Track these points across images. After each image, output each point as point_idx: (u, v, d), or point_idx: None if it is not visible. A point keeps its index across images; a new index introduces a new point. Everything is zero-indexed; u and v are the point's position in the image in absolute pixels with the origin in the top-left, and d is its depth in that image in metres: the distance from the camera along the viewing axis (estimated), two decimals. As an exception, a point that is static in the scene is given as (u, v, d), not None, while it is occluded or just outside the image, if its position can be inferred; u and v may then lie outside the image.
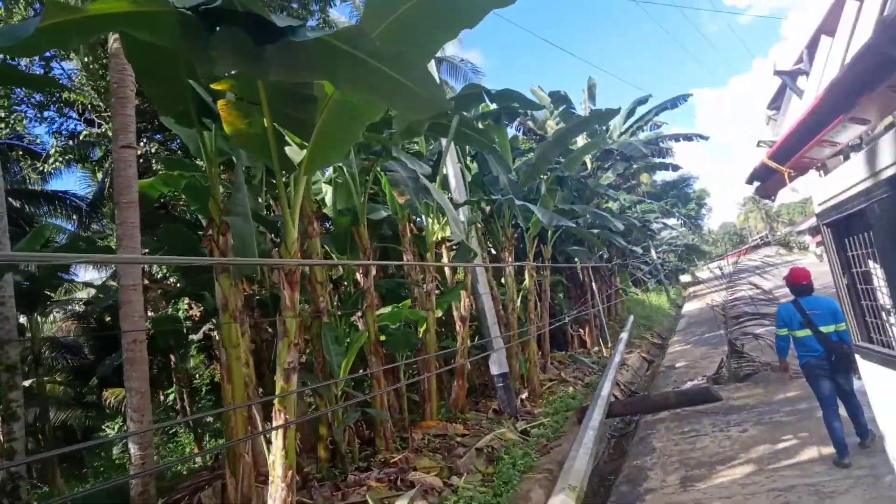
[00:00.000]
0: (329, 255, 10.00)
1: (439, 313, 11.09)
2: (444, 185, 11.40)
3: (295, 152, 4.59)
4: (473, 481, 7.08)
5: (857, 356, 3.17)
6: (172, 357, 13.31)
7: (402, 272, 12.46)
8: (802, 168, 3.16)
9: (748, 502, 5.04)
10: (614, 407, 9.28)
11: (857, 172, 2.44)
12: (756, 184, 4.04)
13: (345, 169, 7.99)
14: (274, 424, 4.74)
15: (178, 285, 11.91)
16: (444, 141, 11.14)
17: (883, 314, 2.77)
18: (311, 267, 7.66)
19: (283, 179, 4.87)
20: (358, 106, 4.55)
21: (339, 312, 8.48)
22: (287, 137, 4.72)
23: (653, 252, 37.38)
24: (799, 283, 6.04)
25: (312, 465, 7.37)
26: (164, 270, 12.77)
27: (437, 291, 11.95)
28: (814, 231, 70.91)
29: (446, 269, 11.68)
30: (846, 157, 2.90)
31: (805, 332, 5.78)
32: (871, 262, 2.76)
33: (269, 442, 5.30)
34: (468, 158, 13.76)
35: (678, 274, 49.77)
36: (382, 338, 8.64)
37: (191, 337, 12.26)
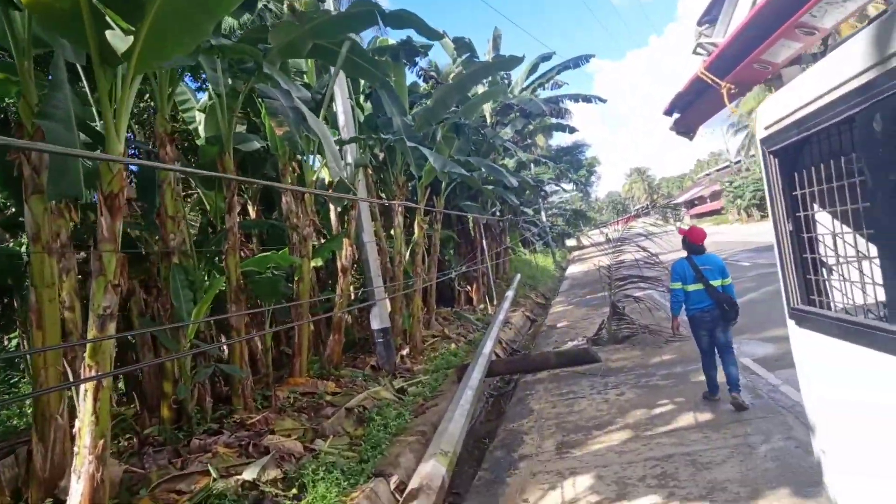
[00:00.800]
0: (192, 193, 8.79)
1: (319, 262, 10.25)
2: (334, 123, 10.42)
3: (122, 40, 3.55)
4: (339, 445, 6.46)
5: (790, 322, 2.75)
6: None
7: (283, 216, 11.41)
8: (746, 81, 2.67)
9: (625, 472, 4.77)
10: (495, 366, 8.97)
11: (835, 74, 1.92)
12: (675, 116, 3.57)
13: (210, 88, 6.85)
14: (83, 381, 3.82)
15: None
16: (333, 71, 10.12)
17: (824, 271, 2.36)
18: (161, 198, 6.54)
19: (105, 75, 3.82)
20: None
21: (193, 252, 7.41)
22: (110, 19, 3.66)
23: (543, 214, 38.07)
24: (696, 241, 6.43)
25: (155, 427, 6.42)
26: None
27: (318, 240, 11.11)
28: (688, 204, 75.92)
29: (332, 218, 10.79)
30: (805, 66, 2.43)
31: (697, 286, 6.23)
32: (816, 206, 2.33)
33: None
34: (361, 97, 12.75)
35: (564, 238, 51.39)
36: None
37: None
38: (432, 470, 5.42)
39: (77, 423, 3.83)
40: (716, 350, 6.31)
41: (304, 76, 11.15)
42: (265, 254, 7.91)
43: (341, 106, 10.16)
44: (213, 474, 4.99)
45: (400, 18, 6.44)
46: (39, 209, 4.65)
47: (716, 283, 6.20)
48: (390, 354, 10.41)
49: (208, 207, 9.71)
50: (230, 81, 6.92)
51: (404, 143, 8.62)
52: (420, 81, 19.33)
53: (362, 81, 12.02)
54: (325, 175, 10.03)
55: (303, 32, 6.51)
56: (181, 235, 7.49)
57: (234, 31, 9.69)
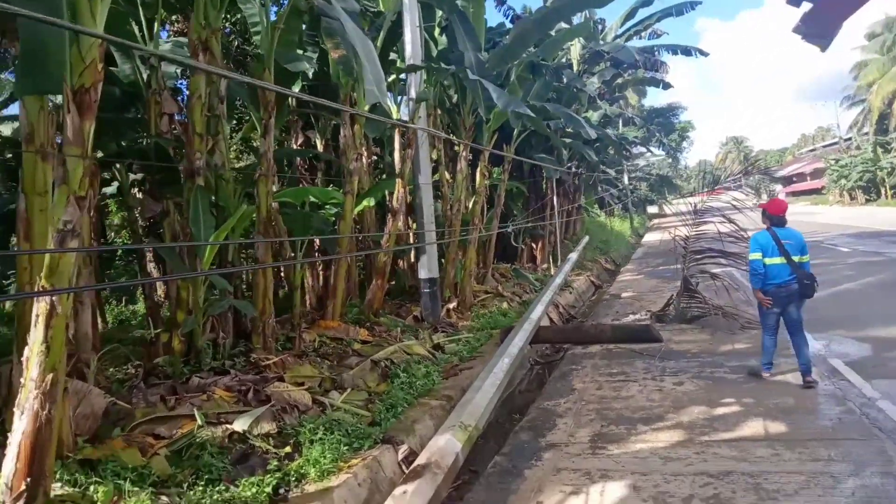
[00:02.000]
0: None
1: (371, 202, 9.61)
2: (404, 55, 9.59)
3: None
4: (356, 400, 5.90)
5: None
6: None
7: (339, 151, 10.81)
8: None
9: (668, 486, 3.92)
10: (543, 333, 8.16)
11: None
12: (805, 6, 2.56)
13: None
14: (37, 304, 3.32)
15: None
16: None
17: None
18: (190, 112, 5.99)
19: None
20: None
21: (229, 176, 6.90)
22: None
23: (625, 177, 36.06)
24: (778, 213, 6.29)
25: (165, 357, 6.05)
26: None
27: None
28: (786, 181, 70.55)
29: (396, 158, 10.09)
30: None
31: (777, 260, 6.07)
32: None
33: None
34: (437, 29, 11.79)
35: (646, 203, 48.89)
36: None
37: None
38: (446, 445, 4.74)
39: (26, 352, 3.35)
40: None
41: (381, 2, 10.33)
42: (304, 187, 7.31)
43: (409, 34, 9.28)
44: (199, 420, 4.50)
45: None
46: (35, 107, 4.14)
47: (796, 258, 6.07)
48: (435, 307, 9.78)
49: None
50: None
51: (466, 76, 7.71)
52: (508, 23, 18.06)
53: (439, 13, 11.07)
54: (393, 113, 9.31)
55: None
56: (220, 157, 7.01)
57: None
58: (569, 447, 4.79)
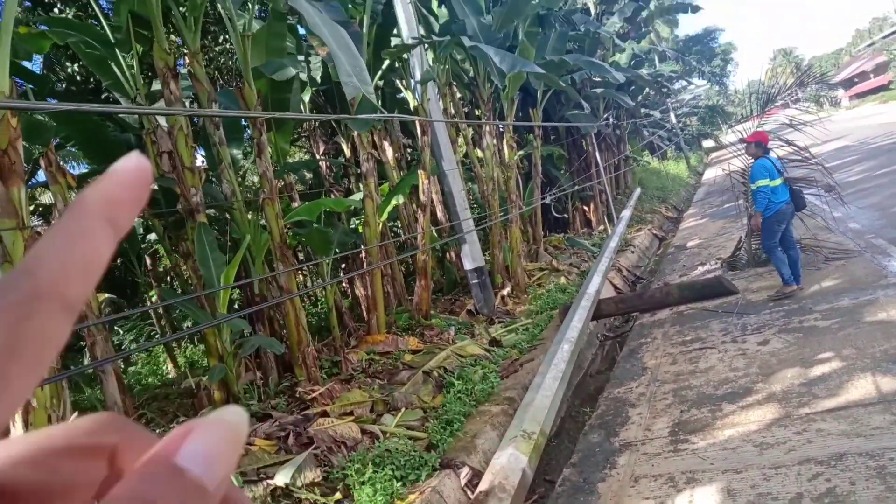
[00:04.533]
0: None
1: (400, 199, 9.10)
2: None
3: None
4: (409, 421, 5.44)
5: None
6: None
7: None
8: None
9: (768, 483, 3.23)
10: (604, 306, 7.45)
11: None
12: None
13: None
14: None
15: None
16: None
17: None
18: (173, 146, 5.63)
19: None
20: None
21: (241, 207, 6.53)
22: None
23: (671, 115, 34.15)
24: (766, 141, 6.96)
25: (209, 408, 5.77)
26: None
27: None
28: (846, 84, 65.56)
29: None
30: None
31: (779, 181, 6.66)
32: None
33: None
34: (434, 2, 11.10)
35: (700, 139, 46.37)
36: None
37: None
38: (509, 462, 4.21)
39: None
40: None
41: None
42: (318, 201, 6.87)
43: (402, 12, 8.63)
44: (235, 482, 4.12)
45: None
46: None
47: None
48: (488, 296, 9.23)
49: (270, 151, 8.82)
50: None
51: (469, 46, 7.04)
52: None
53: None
54: (410, 100, 8.73)
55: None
56: (229, 185, 6.65)
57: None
58: (646, 445, 4.14)
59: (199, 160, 10.21)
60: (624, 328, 8.01)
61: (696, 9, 18.81)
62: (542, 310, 8.76)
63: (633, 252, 12.28)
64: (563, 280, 10.61)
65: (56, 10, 8.71)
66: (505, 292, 9.86)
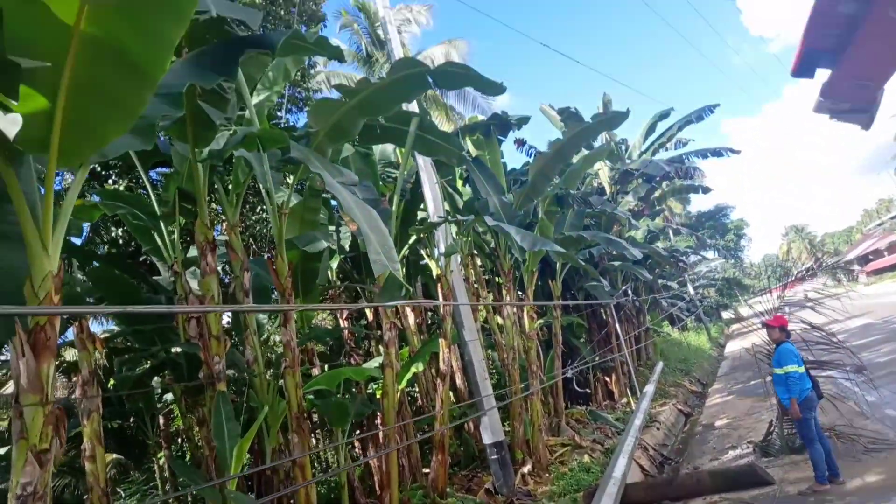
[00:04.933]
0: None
1: (420, 367, 8.99)
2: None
3: (11, 122, 2.71)
4: None
5: None
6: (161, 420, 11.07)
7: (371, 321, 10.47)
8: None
9: None
10: (631, 493, 6.99)
11: None
12: (825, 79, 1.96)
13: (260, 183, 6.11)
14: None
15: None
16: (420, 159, 9.29)
17: None
18: (204, 317, 5.73)
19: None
20: (124, 41, 2.68)
21: (262, 375, 6.47)
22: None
23: (689, 287, 34.51)
24: (785, 327, 6.92)
25: None
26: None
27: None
28: (861, 260, 66.57)
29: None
30: None
31: (802, 369, 6.57)
32: None
33: None
34: (459, 181, 11.86)
35: (719, 310, 46.38)
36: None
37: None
38: None
39: None
40: None
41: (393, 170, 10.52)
42: (336, 370, 6.81)
43: (428, 191, 9.22)
44: None
45: (451, 75, 5.35)
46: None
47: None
48: (507, 474, 8.74)
49: (296, 319, 8.94)
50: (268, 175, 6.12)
51: (482, 221, 7.40)
52: (530, 158, 18.33)
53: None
54: (433, 268, 8.98)
55: (348, 109, 5.65)
56: (252, 352, 6.66)
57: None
58: None
59: (225, 321, 10.44)
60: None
61: (706, 190, 19.85)
62: (566, 492, 8.22)
63: (658, 429, 11.76)
64: (586, 458, 10.06)
65: (110, 182, 9.38)
66: (525, 470, 9.34)
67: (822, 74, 2.36)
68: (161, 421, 10.03)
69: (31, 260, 2.94)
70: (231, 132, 5.57)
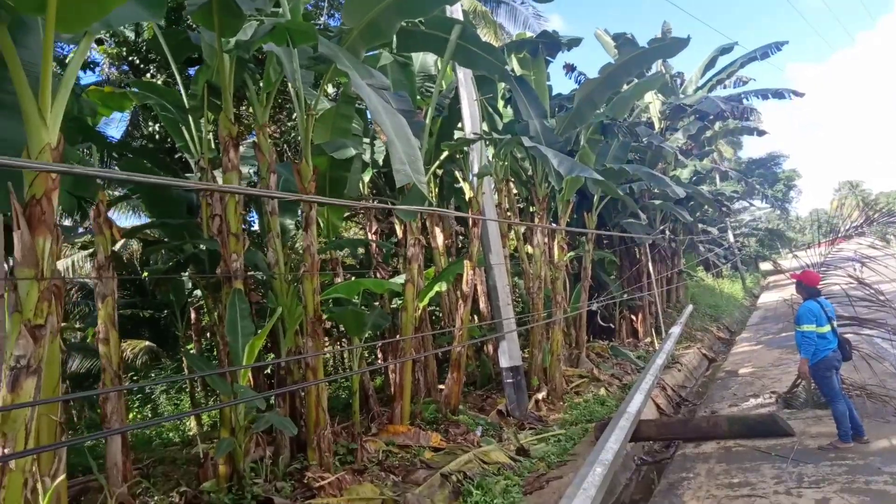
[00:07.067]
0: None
1: (443, 287, 8.90)
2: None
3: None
4: (419, 529, 5.01)
5: None
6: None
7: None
8: None
9: None
10: (644, 429, 6.92)
11: None
12: None
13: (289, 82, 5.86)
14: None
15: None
16: (460, 73, 8.86)
17: None
18: (223, 211, 5.66)
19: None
20: None
21: (282, 277, 6.45)
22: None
23: (730, 234, 33.54)
24: (815, 284, 6.59)
25: (212, 481, 5.47)
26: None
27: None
28: (919, 222, 63.59)
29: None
30: None
31: (827, 328, 6.29)
32: None
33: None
34: (501, 102, 11.36)
35: (757, 260, 45.22)
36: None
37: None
38: None
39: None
40: None
41: (431, 83, 10.08)
42: (357, 280, 6.76)
43: (466, 108, 8.83)
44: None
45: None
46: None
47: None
48: (521, 398, 8.79)
49: (322, 226, 8.86)
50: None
51: (528, 147, 7.04)
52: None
53: (502, 84, 10.65)
54: (466, 191, 8.74)
55: (385, 7, 5.28)
56: (275, 254, 6.64)
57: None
58: None
59: (254, 225, 10.45)
60: (664, 454, 7.37)
61: (761, 132, 18.79)
62: (578, 421, 8.25)
63: (679, 370, 11.64)
64: (602, 391, 10.06)
65: (149, 75, 9.23)
66: (540, 396, 9.37)
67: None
68: (193, 315, 10.27)
69: (28, 131, 2.81)
70: (259, 23, 5.27)
